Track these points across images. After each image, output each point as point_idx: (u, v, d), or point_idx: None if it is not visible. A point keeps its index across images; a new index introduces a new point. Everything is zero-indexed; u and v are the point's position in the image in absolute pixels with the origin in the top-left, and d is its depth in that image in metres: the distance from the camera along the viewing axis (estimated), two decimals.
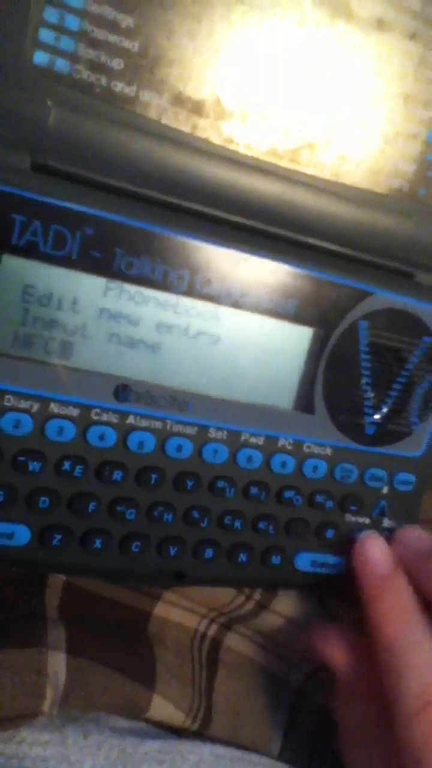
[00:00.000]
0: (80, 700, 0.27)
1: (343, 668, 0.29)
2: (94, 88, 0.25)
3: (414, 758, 0.25)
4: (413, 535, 0.30)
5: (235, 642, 0.33)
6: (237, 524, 0.29)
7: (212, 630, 0.32)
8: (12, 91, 0.24)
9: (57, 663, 0.27)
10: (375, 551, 0.29)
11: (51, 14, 0.24)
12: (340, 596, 0.32)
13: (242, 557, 0.29)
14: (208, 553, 0.28)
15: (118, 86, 0.25)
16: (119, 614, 0.30)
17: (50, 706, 0.26)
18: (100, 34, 0.25)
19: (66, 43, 0.24)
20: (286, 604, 0.33)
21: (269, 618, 0.32)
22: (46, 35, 0.24)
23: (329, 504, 0.30)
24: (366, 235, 0.29)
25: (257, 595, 0.32)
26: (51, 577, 0.29)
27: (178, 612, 0.32)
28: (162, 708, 0.29)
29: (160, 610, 0.31)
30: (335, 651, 0.29)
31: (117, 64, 0.25)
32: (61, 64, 0.24)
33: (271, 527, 0.29)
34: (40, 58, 0.24)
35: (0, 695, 0.25)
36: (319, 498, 0.30)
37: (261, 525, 0.29)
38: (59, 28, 0.24)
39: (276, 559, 0.30)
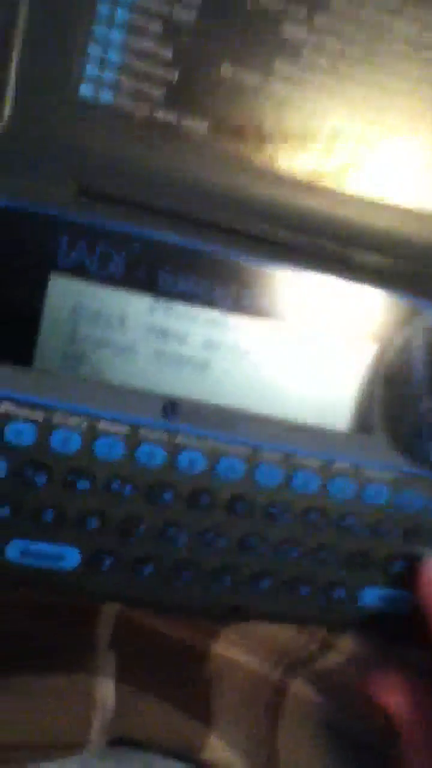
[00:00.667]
0: (131, 729, 0.25)
1: (405, 717, 0.27)
2: (137, 116, 0.26)
3: None
4: None
5: (300, 688, 0.31)
6: (294, 553, 0.27)
7: (275, 674, 0.31)
8: (60, 122, 0.25)
9: (105, 689, 0.25)
10: None
11: (95, 50, 0.25)
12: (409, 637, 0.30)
13: (302, 590, 0.28)
14: (264, 584, 0.27)
15: (160, 114, 0.26)
16: (175, 650, 0.29)
17: (98, 734, 0.24)
18: (141, 66, 0.26)
19: (109, 76, 0.26)
20: (351, 644, 0.30)
21: (335, 659, 0.30)
22: (91, 69, 0.25)
23: (395, 533, 0.29)
24: (420, 248, 0.28)
25: (321, 634, 0.30)
26: (104, 607, 0.29)
27: (238, 652, 0.30)
28: (218, 750, 0.27)
29: (220, 648, 0.30)
30: (398, 699, 0.27)
31: (158, 93, 0.26)
32: (106, 95, 0.26)
33: (332, 558, 0.28)
34: (86, 90, 0.25)
35: (46, 721, 0.24)
36: (383, 527, 0.28)
37: (321, 555, 0.28)
38: (103, 62, 0.25)
39: (339, 594, 0.28)
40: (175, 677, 0.28)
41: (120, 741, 0.26)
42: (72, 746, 0.25)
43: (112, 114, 0.26)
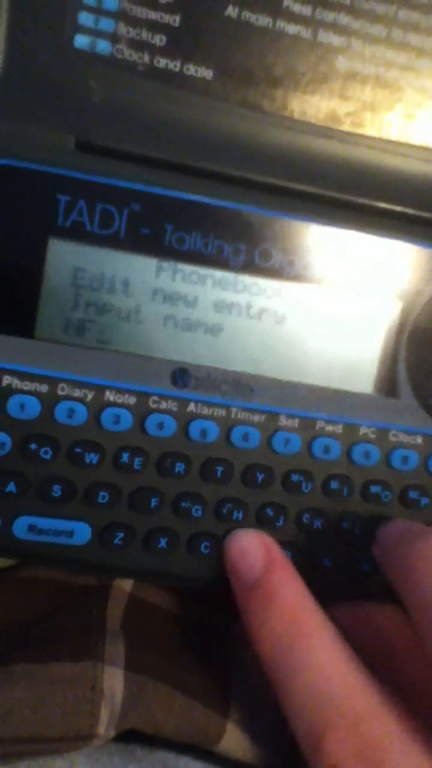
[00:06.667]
0: (141, 721, 0.24)
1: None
2: (137, 66, 0.24)
3: None
4: (393, 528, 0.25)
5: None
6: (317, 524, 0.26)
7: None
8: (55, 75, 0.24)
9: (113, 679, 0.24)
10: (242, 552, 0.25)
11: None
12: None
13: (325, 561, 0.26)
14: (287, 556, 0.26)
15: (162, 62, 0.24)
16: (193, 632, 0.27)
17: (106, 727, 0.23)
18: (139, 12, 0.24)
19: (106, 24, 0.24)
20: None
21: None
22: (85, 18, 0.24)
23: (424, 501, 0.27)
24: None
25: None
26: (115, 587, 0.27)
27: None
28: (236, 740, 0.25)
29: (242, 628, 0.28)
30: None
31: (159, 40, 0.24)
32: (103, 46, 0.24)
33: (357, 528, 0.26)
34: (81, 41, 0.24)
35: (50, 712, 0.23)
36: (412, 494, 0.27)
37: (345, 525, 0.26)
38: (98, 10, 0.24)
39: (367, 567, 0.27)
40: (192, 663, 0.27)
41: (129, 733, 0.25)
42: (78, 740, 0.23)
43: (110, 65, 0.24)
